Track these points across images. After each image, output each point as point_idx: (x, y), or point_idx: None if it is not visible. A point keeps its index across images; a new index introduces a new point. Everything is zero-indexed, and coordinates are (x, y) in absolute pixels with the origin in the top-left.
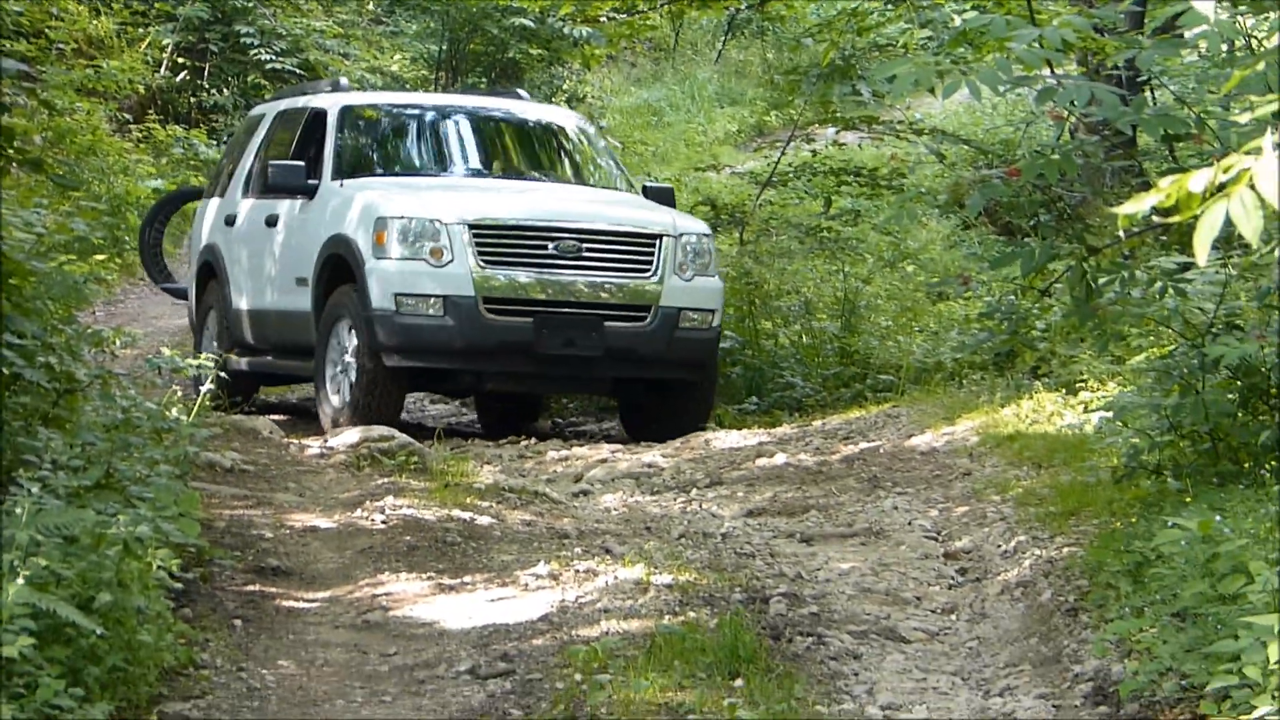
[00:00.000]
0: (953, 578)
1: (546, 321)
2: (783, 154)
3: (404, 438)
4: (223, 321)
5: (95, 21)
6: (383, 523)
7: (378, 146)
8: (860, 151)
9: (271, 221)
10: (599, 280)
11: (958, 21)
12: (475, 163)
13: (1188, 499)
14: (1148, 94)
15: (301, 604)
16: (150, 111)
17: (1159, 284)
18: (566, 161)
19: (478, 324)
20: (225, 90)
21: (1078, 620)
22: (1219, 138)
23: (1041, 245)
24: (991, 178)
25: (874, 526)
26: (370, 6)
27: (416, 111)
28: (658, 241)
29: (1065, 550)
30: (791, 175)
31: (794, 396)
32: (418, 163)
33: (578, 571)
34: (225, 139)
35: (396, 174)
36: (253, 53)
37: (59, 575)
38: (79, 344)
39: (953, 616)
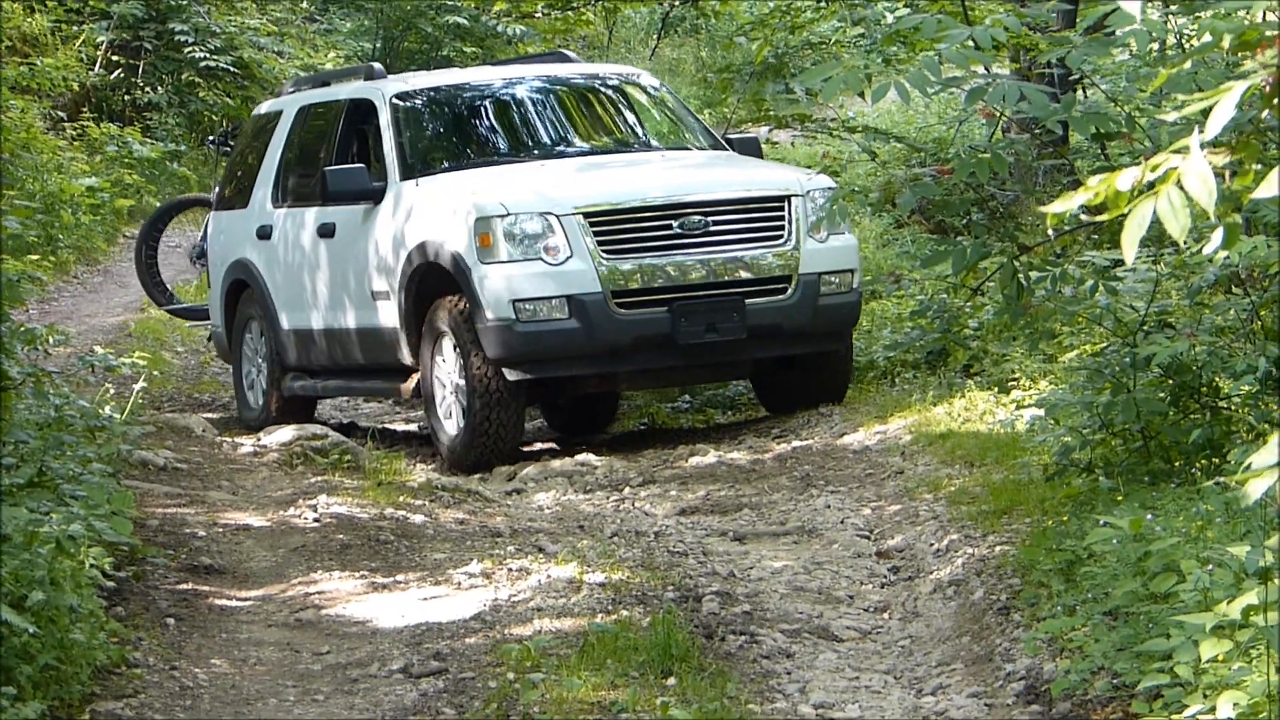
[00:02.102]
0: (885, 576)
1: (684, 309)
2: None
3: (337, 436)
4: (270, 344)
5: (29, 19)
6: (315, 521)
7: (446, 135)
8: (794, 150)
9: (327, 231)
10: (733, 255)
11: (890, 20)
12: (560, 139)
13: (1119, 497)
14: (1079, 93)
15: (234, 602)
16: (84, 109)
17: (1090, 282)
18: (654, 123)
19: (609, 322)
20: (160, 88)
21: (1010, 619)
22: (1149, 136)
23: (973, 243)
24: (924, 176)
25: (806, 525)
26: (304, 4)
27: (478, 90)
28: (786, 203)
29: (997, 549)
30: None
31: (727, 394)
32: (497, 148)
33: (511, 570)
34: (160, 137)
35: (476, 164)
36: (187, 50)
37: None
38: (12, 342)
39: (885, 615)
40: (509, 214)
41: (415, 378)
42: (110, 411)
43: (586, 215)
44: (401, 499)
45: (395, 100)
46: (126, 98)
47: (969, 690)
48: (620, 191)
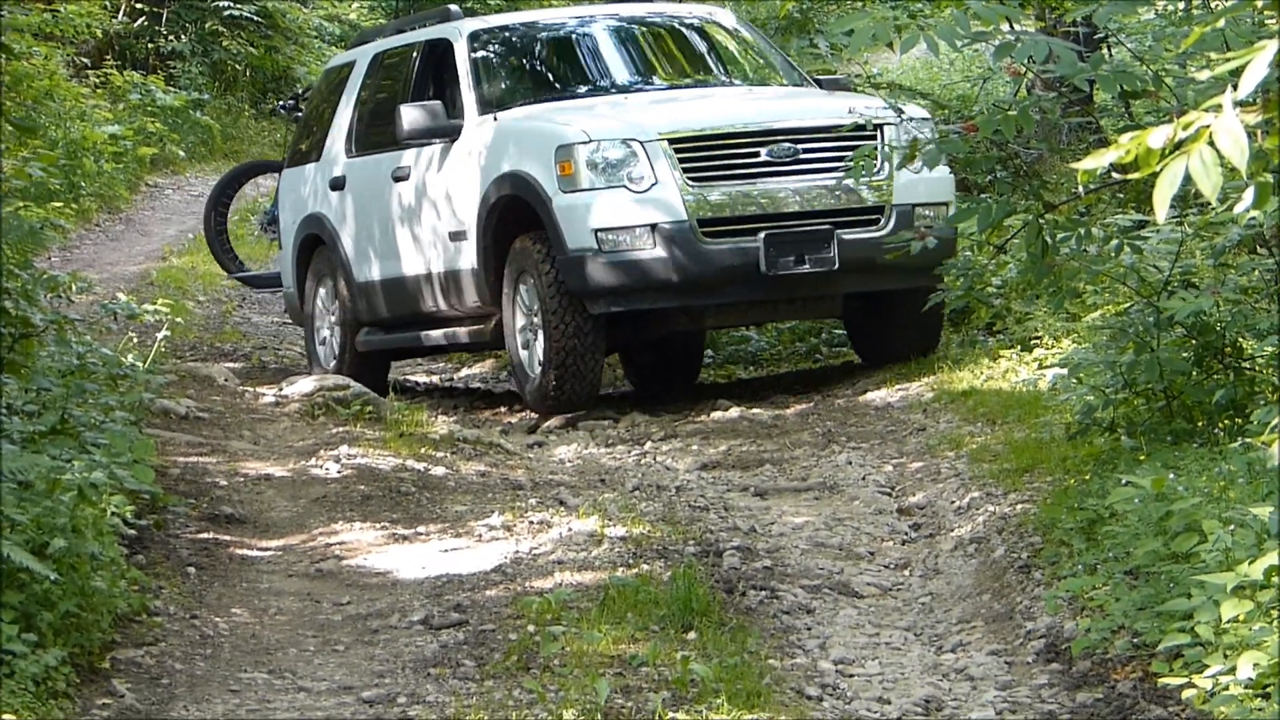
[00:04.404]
0: (906, 533)
1: (773, 239)
2: None
3: (359, 387)
4: (345, 299)
5: None
6: (337, 472)
7: (523, 72)
8: None
9: (401, 175)
10: (824, 184)
11: None
12: (639, 75)
13: (1141, 457)
14: (1105, 51)
15: (255, 552)
16: (108, 57)
17: (1115, 241)
18: (739, 60)
19: (695, 252)
20: (183, 36)
21: (1030, 577)
22: (1175, 95)
23: (998, 201)
24: (949, 133)
25: (828, 481)
26: None
27: (554, 28)
28: (879, 132)
29: (1019, 507)
30: None
31: (749, 350)
32: (577, 84)
33: (532, 523)
34: (183, 85)
35: (556, 98)
36: None
37: (13, 520)
38: (35, 289)
39: (906, 572)
40: (591, 140)
41: (494, 319)
42: (133, 360)
43: (672, 142)
44: (423, 450)
45: (471, 37)
46: (150, 46)
47: (989, 648)
48: (707, 118)
